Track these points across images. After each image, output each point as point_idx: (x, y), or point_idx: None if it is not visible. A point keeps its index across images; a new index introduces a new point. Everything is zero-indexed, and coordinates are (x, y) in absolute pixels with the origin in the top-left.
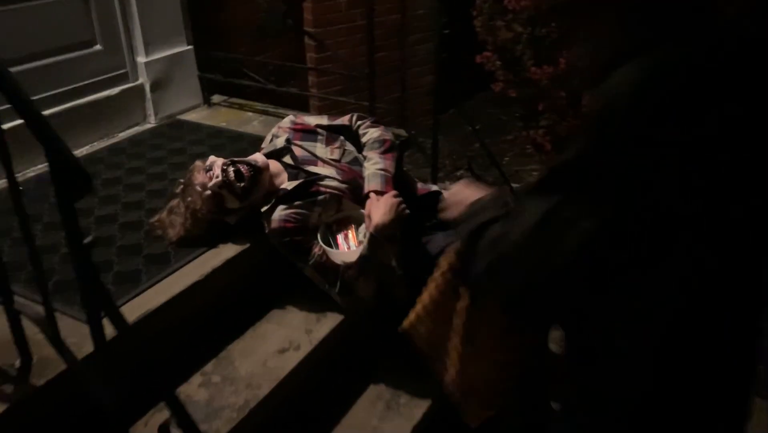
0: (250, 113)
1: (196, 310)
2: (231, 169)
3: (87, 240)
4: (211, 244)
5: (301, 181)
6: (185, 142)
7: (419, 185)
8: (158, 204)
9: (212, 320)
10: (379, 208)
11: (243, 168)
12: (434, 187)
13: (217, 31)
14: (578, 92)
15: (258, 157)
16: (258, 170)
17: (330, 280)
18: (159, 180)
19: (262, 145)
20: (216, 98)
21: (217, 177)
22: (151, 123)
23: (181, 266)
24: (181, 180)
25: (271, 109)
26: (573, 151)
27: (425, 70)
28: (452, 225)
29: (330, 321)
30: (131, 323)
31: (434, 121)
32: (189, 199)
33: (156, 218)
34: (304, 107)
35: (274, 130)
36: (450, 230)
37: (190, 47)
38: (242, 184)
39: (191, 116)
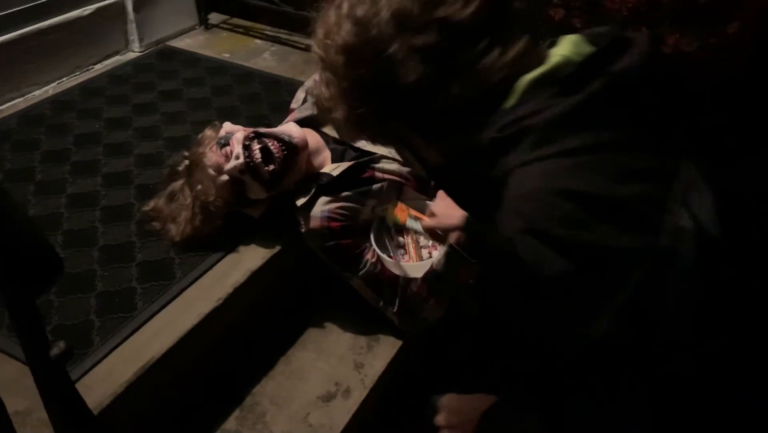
0: (259, 41)
1: (211, 342)
2: (256, 146)
3: (56, 351)
4: (229, 246)
5: (350, 163)
6: (180, 81)
7: None
8: (151, 176)
9: (232, 350)
10: (458, 209)
11: (273, 145)
12: None
13: None
14: (662, 28)
15: (293, 130)
16: (293, 149)
17: (386, 296)
18: (150, 138)
19: (293, 105)
20: (214, 18)
21: (237, 157)
22: (135, 51)
23: (191, 283)
24: (185, 153)
25: (283, 35)
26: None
27: None
28: None
29: (384, 349)
30: (127, 381)
31: None
32: (198, 187)
33: (151, 205)
34: None
35: (308, 84)
36: None
37: None
38: (271, 168)
39: (185, 42)
